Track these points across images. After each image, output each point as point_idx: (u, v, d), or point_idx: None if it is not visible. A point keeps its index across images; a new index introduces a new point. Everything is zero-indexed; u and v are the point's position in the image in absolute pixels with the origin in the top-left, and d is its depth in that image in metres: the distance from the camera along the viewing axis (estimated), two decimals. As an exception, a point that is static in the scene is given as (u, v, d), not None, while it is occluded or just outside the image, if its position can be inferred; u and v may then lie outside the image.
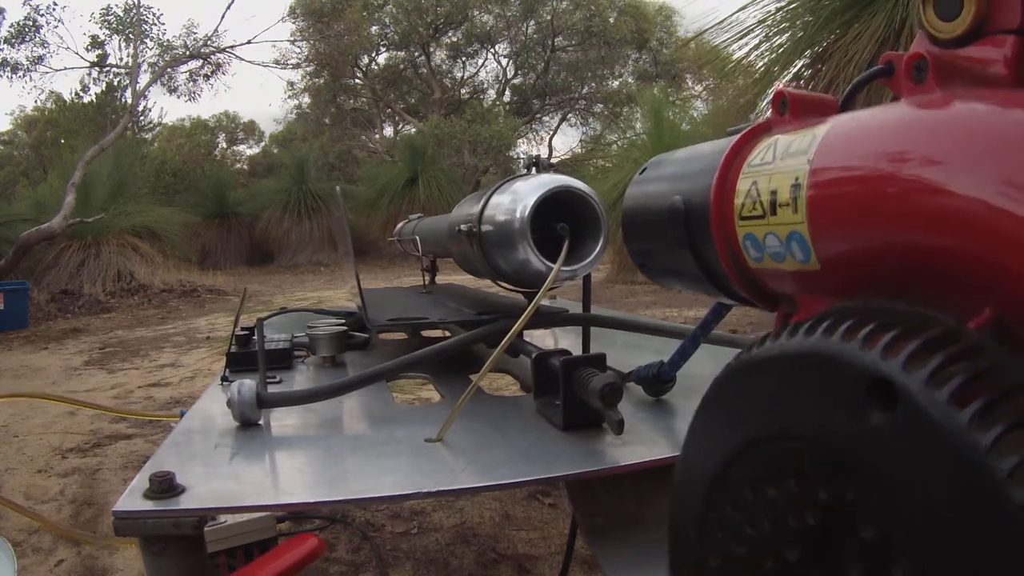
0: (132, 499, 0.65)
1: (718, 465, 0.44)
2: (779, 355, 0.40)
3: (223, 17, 16.75)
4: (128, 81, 11.68)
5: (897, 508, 0.31)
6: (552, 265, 0.96)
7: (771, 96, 0.56)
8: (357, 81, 17.35)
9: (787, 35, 4.39)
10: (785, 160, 0.49)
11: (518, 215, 0.99)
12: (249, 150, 21.66)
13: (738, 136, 0.57)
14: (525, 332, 1.08)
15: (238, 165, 19.91)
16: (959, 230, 0.36)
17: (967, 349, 0.32)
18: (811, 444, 0.36)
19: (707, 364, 1.02)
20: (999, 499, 0.27)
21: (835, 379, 0.35)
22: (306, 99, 17.93)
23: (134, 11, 11.87)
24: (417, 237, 1.87)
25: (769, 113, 0.58)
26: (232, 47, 11.76)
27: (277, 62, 13.78)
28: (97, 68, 12.86)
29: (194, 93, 13.38)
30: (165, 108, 53.01)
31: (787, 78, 4.35)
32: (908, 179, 0.38)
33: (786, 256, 0.49)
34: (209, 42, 11.62)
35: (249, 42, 11.93)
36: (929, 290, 0.39)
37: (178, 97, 15.27)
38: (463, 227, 1.16)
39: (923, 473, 0.30)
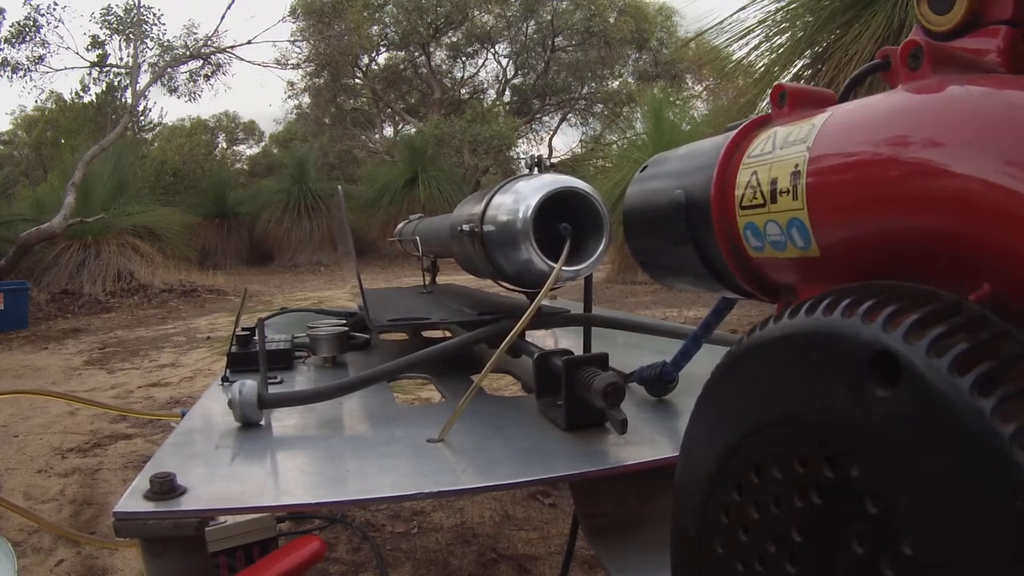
0: (133, 500, 0.65)
1: (722, 451, 0.44)
2: (781, 336, 0.40)
3: (223, 17, 16.72)
4: (128, 81, 11.68)
5: (903, 481, 0.31)
6: (555, 265, 0.96)
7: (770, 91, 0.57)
8: (357, 81, 17.34)
9: (787, 35, 4.40)
10: (785, 149, 0.49)
11: (521, 215, 0.99)
12: (249, 150, 21.67)
13: (738, 129, 0.57)
14: (526, 332, 1.08)
15: (238, 165, 19.89)
16: (957, 210, 0.36)
17: (967, 320, 0.32)
18: (815, 423, 0.37)
19: (709, 364, 1.02)
20: (1003, 465, 0.27)
21: (837, 355, 0.35)
22: (306, 99, 17.93)
23: (134, 11, 11.88)
24: (417, 237, 1.87)
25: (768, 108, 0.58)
26: (232, 47, 11.76)
27: (277, 62, 13.75)
28: (97, 68, 12.85)
29: (194, 93, 13.40)
30: (165, 108, 53.13)
31: (787, 78, 4.35)
32: (906, 161, 0.39)
33: (786, 244, 0.49)
34: (209, 42, 11.63)
35: (249, 42, 11.93)
36: (928, 272, 0.39)
37: (178, 97, 15.30)
38: (465, 227, 1.16)
39: (927, 443, 0.30)
